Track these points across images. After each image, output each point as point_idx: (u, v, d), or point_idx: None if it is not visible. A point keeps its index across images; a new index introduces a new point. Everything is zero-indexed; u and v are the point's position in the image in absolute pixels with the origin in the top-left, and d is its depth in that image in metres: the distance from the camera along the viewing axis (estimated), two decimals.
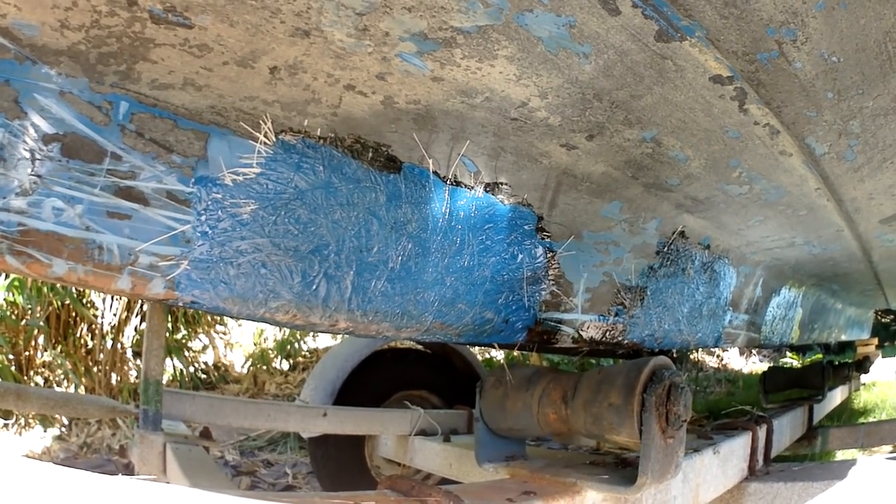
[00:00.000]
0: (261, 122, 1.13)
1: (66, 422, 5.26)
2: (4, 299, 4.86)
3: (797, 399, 4.09)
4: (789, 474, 2.47)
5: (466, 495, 1.38)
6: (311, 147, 1.18)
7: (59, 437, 5.11)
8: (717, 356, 9.46)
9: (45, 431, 5.14)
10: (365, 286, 1.27)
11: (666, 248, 1.85)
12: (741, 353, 9.30)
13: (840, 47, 1.19)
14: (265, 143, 1.13)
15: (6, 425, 5.06)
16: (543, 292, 1.55)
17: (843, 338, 4.66)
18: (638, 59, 1.16)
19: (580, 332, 1.66)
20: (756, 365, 8.99)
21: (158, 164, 1.07)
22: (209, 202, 1.11)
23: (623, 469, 1.77)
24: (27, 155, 0.98)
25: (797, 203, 1.91)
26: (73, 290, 5.35)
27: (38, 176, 0.99)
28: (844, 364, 5.22)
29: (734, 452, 2.35)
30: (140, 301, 5.86)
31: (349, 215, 1.23)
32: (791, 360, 6.60)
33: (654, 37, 1.11)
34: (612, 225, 1.66)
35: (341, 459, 3.79)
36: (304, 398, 3.81)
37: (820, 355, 5.25)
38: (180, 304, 1.15)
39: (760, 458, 2.59)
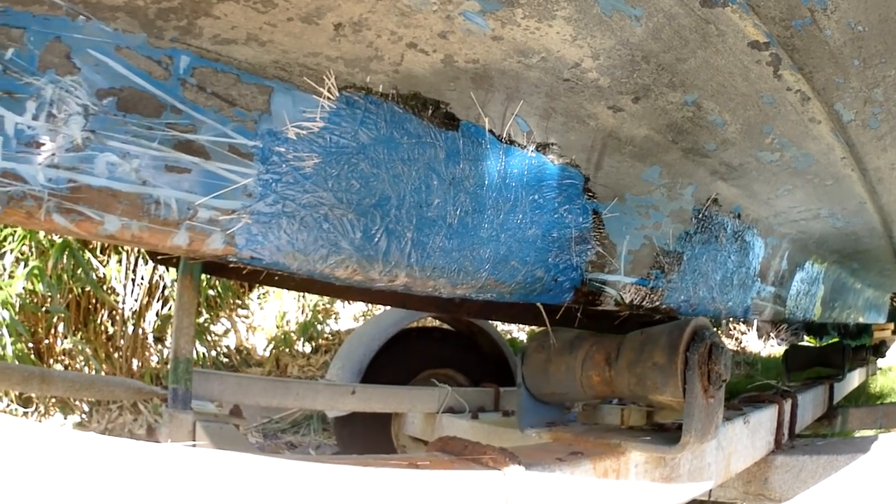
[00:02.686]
0: (324, 77, 1.14)
1: (86, 408, 5.28)
2: (24, 287, 4.88)
3: (818, 378, 4.11)
4: (814, 448, 2.49)
5: (519, 454, 1.40)
6: (373, 103, 1.19)
7: (79, 424, 5.12)
8: (736, 339, 9.50)
9: (65, 418, 5.15)
10: (424, 241, 1.29)
11: (700, 215, 1.87)
12: (759, 336, 9.33)
13: (865, 17, 1.22)
14: (329, 99, 1.15)
15: (26, 413, 5.07)
16: (590, 252, 1.57)
17: (861, 320, 4.68)
18: (684, 23, 1.19)
19: (622, 294, 1.69)
20: (774, 348, 9.01)
21: (221, 118, 1.08)
22: (272, 156, 1.12)
23: (661, 433, 1.80)
24: (79, 110, 0.98)
25: (824, 172, 1.93)
26: (94, 276, 5.38)
27: (92, 131, 0.99)
28: (862, 347, 5.26)
29: (762, 424, 2.37)
30: (162, 286, 5.91)
31: (410, 170, 1.25)
32: (808, 343, 6.62)
33: (700, 2, 1.14)
34: (652, 189, 1.69)
35: (368, 438, 3.81)
36: (330, 377, 3.83)
37: (836, 338, 5.28)
38: (238, 260, 1.16)
39: (786, 431, 2.62)
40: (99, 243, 5.39)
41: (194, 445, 2.34)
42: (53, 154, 0.97)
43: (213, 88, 1.08)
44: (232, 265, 1.22)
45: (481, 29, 1.12)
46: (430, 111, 1.26)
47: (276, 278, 2.12)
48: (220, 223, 1.10)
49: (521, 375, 1.90)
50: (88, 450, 0.80)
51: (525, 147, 1.41)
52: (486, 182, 1.36)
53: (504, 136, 1.36)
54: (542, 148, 1.43)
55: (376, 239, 1.23)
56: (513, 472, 1.31)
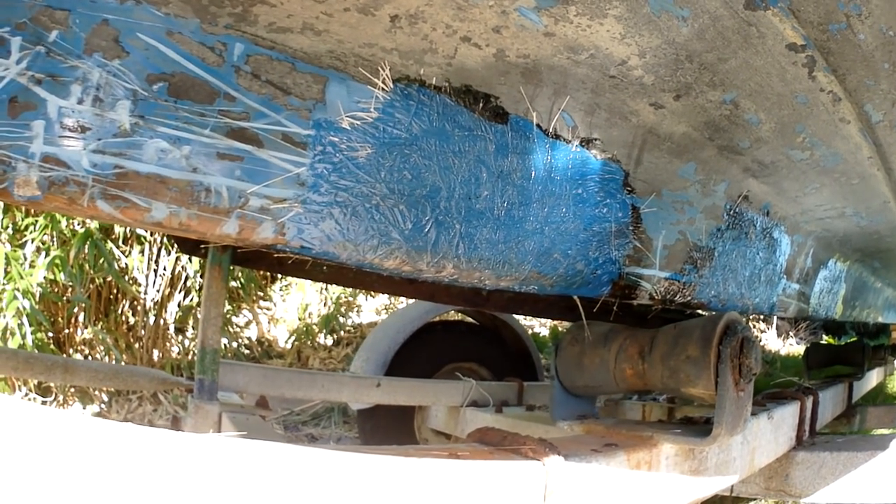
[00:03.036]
0: (379, 68, 1.15)
1: (105, 398, 5.31)
2: (45, 277, 4.90)
3: (838, 376, 4.12)
4: (834, 445, 2.50)
5: (557, 444, 1.42)
6: (426, 95, 1.21)
7: (98, 413, 5.13)
8: (756, 337, 9.44)
9: (84, 408, 5.16)
10: (472, 233, 1.31)
11: (732, 211, 1.89)
12: (779, 335, 9.34)
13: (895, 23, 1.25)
14: (383, 90, 1.16)
15: (45, 402, 5.08)
16: (628, 247, 1.59)
17: (880, 319, 4.68)
18: (727, 25, 1.21)
19: (656, 288, 1.71)
20: (793, 347, 9.03)
21: (275, 106, 1.09)
22: (326, 145, 1.13)
23: (691, 426, 1.82)
24: (127, 95, 0.98)
25: (851, 171, 1.95)
26: (116, 266, 5.40)
27: (141, 116, 0.99)
28: (880, 346, 5.26)
29: (785, 420, 2.38)
30: (184, 277, 5.93)
31: (460, 163, 1.27)
32: (828, 342, 6.62)
33: (743, 5, 1.17)
34: (687, 185, 1.71)
35: (390, 431, 3.81)
36: (354, 370, 3.84)
37: (855, 338, 5.28)
38: (288, 249, 1.16)
39: (807, 428, 2.63)
40: (122, 233, 5.41)
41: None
42: (99, 139, 0.97)
43: (268, 76, 1.09)
44: (277, 255, 1.24)
45: (534, 25, 1.14)
46: (480, 104, 1.28)
47: (306, 268, 2.12)
48: (272, 212, 1.11)
49: (554, 368, 1.93)
50: (134, 440, 0.81)
51: (570, 141, 1.43)
52: (533, 175, 1.37)
53: (550, 130, 1.38)
54: (586, 143, 1.45)
55: (426, 230, 1.25)
56: (552, 463, 1.33)
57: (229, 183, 1.07)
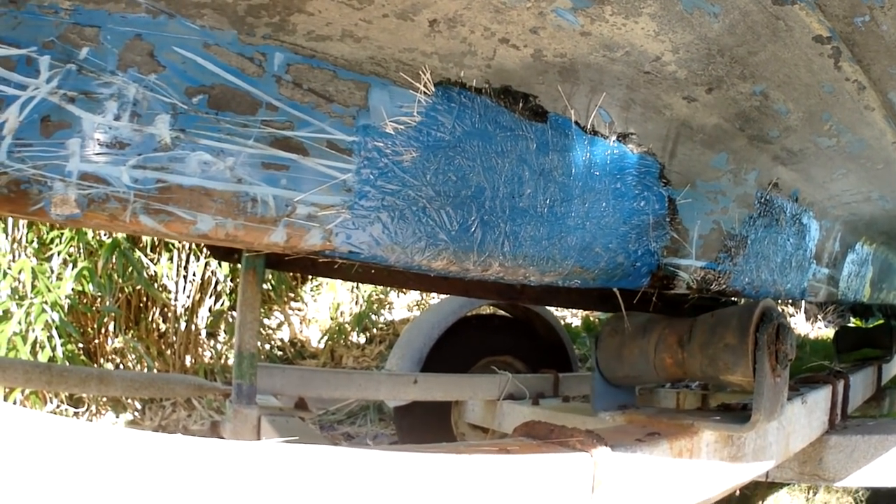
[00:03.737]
0: (420, 72, 1.17)
1: (138, 406, 5.34)
2: (73, 288, 4.94)
3: (867, 359, 4.11)
4: (866, 428, 2.52)
5: (603, 435, 1.44)
6: (467, 97, 1.23)
7: (132, 422, 5.16)
8: (787, 319, 9.40)
9: (117, 417, 5.18)
10: (516, 231, 1.33)
11: (763, 199, 1.91)
12: (807, 319, 9.31)
13: None
14: (425, 93, 1.18)
15: (77, 413, 5.11)
16: (665, 238, 1.61)
17: None
18: (757, 19, 1.24)
19: (693, 278, 1.73)
20: (822, 330, 9.00)
21: (318, 114, 1.10)
22: (372, 150, 1.15)
23: (730, 412, 1.84)
24: (167, 109, 0.99)
25: (876, 156, 1.97)
26: (145, 274, 5.44)
27: (182, 130, 1.00)
28: None
29: (818, 405, 2.40)
30: (214, 282, 5.96)
31: (503, 162, 1.29)
32: (856, 325, 6.59)
33: (771, 0, 1.19)
34: (719, 175, 1.73)
35: (428, 427, 3.82)
36: (390, 367, 3.85)
37: (882, 320, 5.26)
38: (336, 255, 1.18)
39: (839, 412, 2.64)
40: (149, 241, 5.43)
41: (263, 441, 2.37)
42: (140, 154, 0.98)
43: (310, 85, 1.10)
44: (323, 260, 1.26)
45: (571, 25, 1.16)
46: (520, 104, 1.30)
47: (335, 268, 2.14)
48: (319, 219, 1.12)
49: (594, 359, 1.95)
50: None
51: (607, 137, 1.45)
52: (573, 172, 1.40)
53: (588, 126, 1.41)
54: (623, 137, 1.47)
55: (472, 230, 1.27)
56: (600, 454, 1.35)
57: (276, 192, 1.08)
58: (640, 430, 1.65)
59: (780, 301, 2.26)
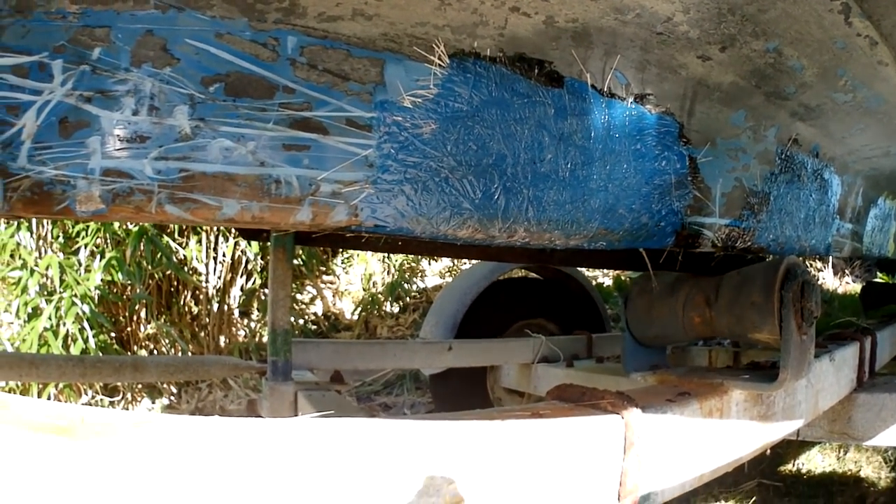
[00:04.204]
0: (433, 45, 1.18)
1: (174, 390, 5.37)
2: (102, 279, 4.97)
3: (894, 315, 4.09)
4: (893, 386, 2.51)
5: (634, 396, 1.46)
6: (482, 67, 1.23)
7: (168, 406, 5.20)
8: (813, 276, 9.37)
9: (153, 402, 5.21)
10: (539, 196, 1.34)
11: (783, 155, 1.91)
12: (835, 274, 9.27)
13: None
14: (440, 66, 1.19)
15: (112, 402, 5.14)
16: (688, 197, 1.61)
17: None
18: None
19: (717, 235, 1.73)
20: (850, 285, 8.96)
21: (335, 93, 1.12)
22: (391, 125, 1.16)
23: (758, 371, 1.84)
24: (184, 100, 1.02)
25: (893, 111, 1.97)
26: (174, 258, 5.47)
27: (201, 119, 1.02)
28: None
29: (846, 362, 2.39)
30: (245, 261, 5.98)
31: (522, 129, 1.29)
32: (882, 280, 6.56)
33: None
34: (739, 132, 1.73)
35: (464, 394, 3.84)
36: (424, 335, 3.88)
37: None
38: (363, 230, 1.20)
39: (867, 369, 2.63)
40: (176, 227, 5.46)
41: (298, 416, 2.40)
42: (161, 146, 1.00)
43: (325, 65, 1.11)
44: (350, 235, 1.28)
45: None
46: (535, 71, 1.30)
47: (363, 241, 2.16)
48: (344, 195, 1.14)
49: (624, 320, 1.96)
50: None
51: (625, 99, 1.45)
52: (593, 135, 1.40)
53: (605, 89, 1.41)
54: (640, 99, 1.48)
55: (496, 197, 1.28)
56: (631, 416, 1.36)
57: (298, 172, 1.10)
58: (670, 390, 1.66)
59: (805, 257, 2.26)
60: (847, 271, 9.30)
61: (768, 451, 1.89)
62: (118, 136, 0.99)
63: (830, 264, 9.32)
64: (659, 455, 1.45)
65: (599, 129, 1.41)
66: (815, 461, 3.88)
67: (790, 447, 3.82)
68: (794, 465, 3.89)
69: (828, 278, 9.41)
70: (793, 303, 1.60)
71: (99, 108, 0.97)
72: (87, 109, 0.97)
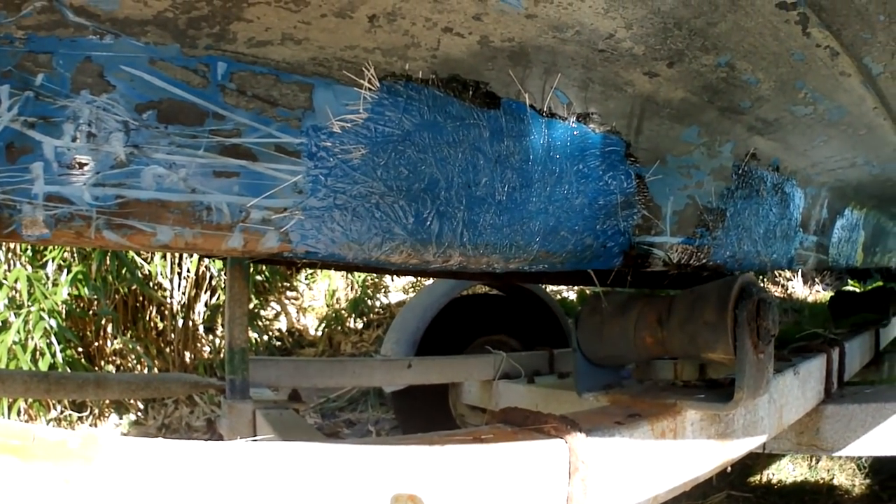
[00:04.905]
0: (363, 69, 1.16)
1: (141, 406, 5.36)
2: (69, 293, 4.96)
3: (864, 323, 4.09)
4: (863, 396, 2.50)
5: (579, 420, 1.43)
6: (414, 89, 1.22)
7: (135, 422, 5.20)
8: (782, 286, 9.49)
9: (120, 418, 5.22)
10: (475, 220, 1.32)
11: (741, 170, 1.89)
12: (805, 282, 9.31)
13: None
14: (370, 89, 1.17)
15: (80, 418, 5.15)
16: (636, 216, 1.59)
17: None
18: None
19: (669, 255, 1.71)
20: (820, 293, 9.01)
21: (264, 119, 1.11)
22: (319, 151, 1.15)
23: (715, 390, 1.82)
24: (120, 127, 1.01)
25: (857, 122, 1.94)
26: (139, 273, 5.45)
27: (135, 146, 1.02)
28: None
29: (812, 374, 2.38)
30: (209, 277, 5.98)
31: (456, 152, 1.27)
32: (853, 288, 6.57)
33: None
34: (692, 149, 1.70)
35: (426, 410, 3.85)
36: (385, 352, 3.90)
37: (880, 282, 5.23)
38: (294, 256, 1.19)
39: (835, 380, 2.62)
40: None
41: (255, 435, 2.39)
42: (98, 172, 1.01)
43: (254, 91, 1.11)
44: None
45: (514, 9, 1.14)
46: (470, 92, 1.28)
47: (318, 263, 2.15)
48: (274, 222, 1.13)
49: (575, 340, 1.93)
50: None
51: (566, 119, 1.43)
52: (531, 157, 1.38)
53: (545, 109, 1.38)
54: (583, 118, 1.45)
55: (428, 222, 1.26)
56: (575, 440, 1.34)
57: (229, 199, 1.09)
58: (621, 411, 1.63)
59: (767, 272, 2.24)
60: (818, 279, 9.34)
61: (737, 462, 1.87)
62: (59, 162, 0.99)
63: (800, 273, 9.37)
64: (608, 479, 1.42)
65: (539, 151, 1.38)
66: (787, 471, 3.88)
67: (759, 457, 3.82)
68: (764, 475, 3.88)
69: (798, 287, 9.46)
70: (748, 322, 1.57)
71: (42, 134, 0.98)
72: (30, 135, 0.98)
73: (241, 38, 1.06)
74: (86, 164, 1.00)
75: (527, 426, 1.41)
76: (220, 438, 2.72)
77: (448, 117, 1.26)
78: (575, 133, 1.44)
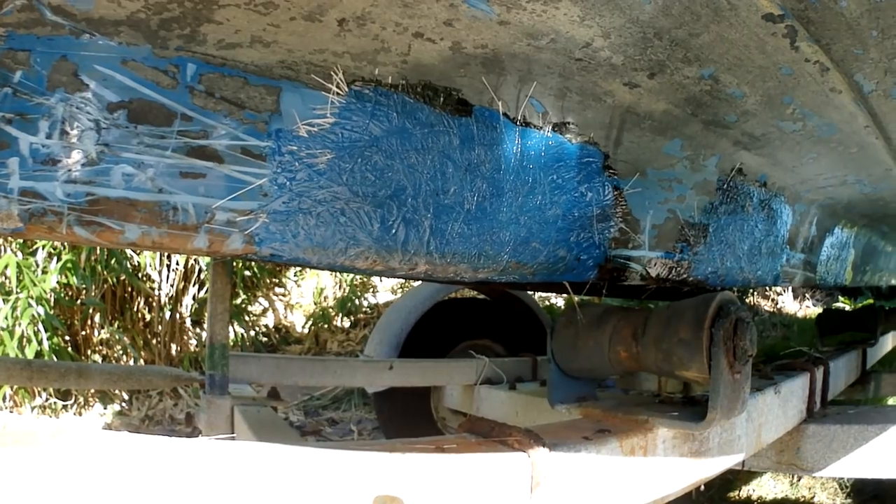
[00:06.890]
0: (332, 73, 1.15)
1: (126, 396, 5.36)
2: (58, 281, 4.95)
3: (851, 342, 4.07)
4: (845, 417, 2.48)
5: (545, 434, 1.41)
6: (383, 95, 1.20)
7: (119, 413, 5.20)
8: (772, 300, 9.49)
9: (104, 408, 5.23)
10: (442, 228, 1.30)
11: (725, 185, 1.86)
12: (795, 297, 9.28)
13: None
14: (338, 94, 1.16)
15: (65, 406, 5.16)
16: (612, 229, 1.57)
17: (894, 282, 4.62)
18: None
19: (647, 269, 1.69)
20: (810, 309, 8.99)
21: (231, 122, 1.10)
22: (285, 154, 1.14)
23: (691, 407, 1.80)
24: (91, 125, 1.02)
25: (848, 140, 1.92)
26: (128, 264, 5.45)
27: (106, 144, 1.02)
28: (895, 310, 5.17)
29: (794, 393, 2.36)
30: (198, 270, 5.97)
31: (424, 159, 1.26)
32: (843, 305, 6.55)
33: None
34: (674, 162, 1.68)
35: (407, 412, 3.86)
36: (368, 353, 3.89)
37: (871, 300, 5.20)
38: (259, 258, 1.19)
39: (818, 400, 2.60)
40: None
41: (232, 431, 2.38)
42: (70, 170, 1.01)
43: (222, 93, 1.10)
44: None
45: (487, 15, 1.12)
46: (441, 99, 1.26)
47: None
48: (238, 224, 1.12)
49: (550, 351, 1.91)
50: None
51: (541, 128, 1.41)
52: (503, 166, 1.36)
53: (519, 118, 1.37)
54: (559, 127, 1.43)
55: (394, 230, 1.25)
56: (537, 454, 1.32)
57: (195, 200, 1.09)
58: (591, 426, 1.61)
59: (751, 288, 2.22)
60: (808, 295, 9.32)
61: (718, 478, 1.86)
62: (34, 158, 1.00)
63: (790, 289, 9.35)
64: (572, 494, 1.40)
65: (511, 160, 1.36)
66: (768, 487, 3.86)
67: (740, 474, 3.80)
68: (744, 491, 3.86)
69: (788, 302, 9.44)
70: (724, 341, 1.55)
71: (18, 130, 0.99)
72: (7, 131, 0.99)
73: (210, 40, 1.06)
74: (59, 161, 1.01)
75: (491, 437, 1.39)
76: (199, 432, 2.73)
77: (417, 123, 1.24)
78: (550, 143, 1.42)
